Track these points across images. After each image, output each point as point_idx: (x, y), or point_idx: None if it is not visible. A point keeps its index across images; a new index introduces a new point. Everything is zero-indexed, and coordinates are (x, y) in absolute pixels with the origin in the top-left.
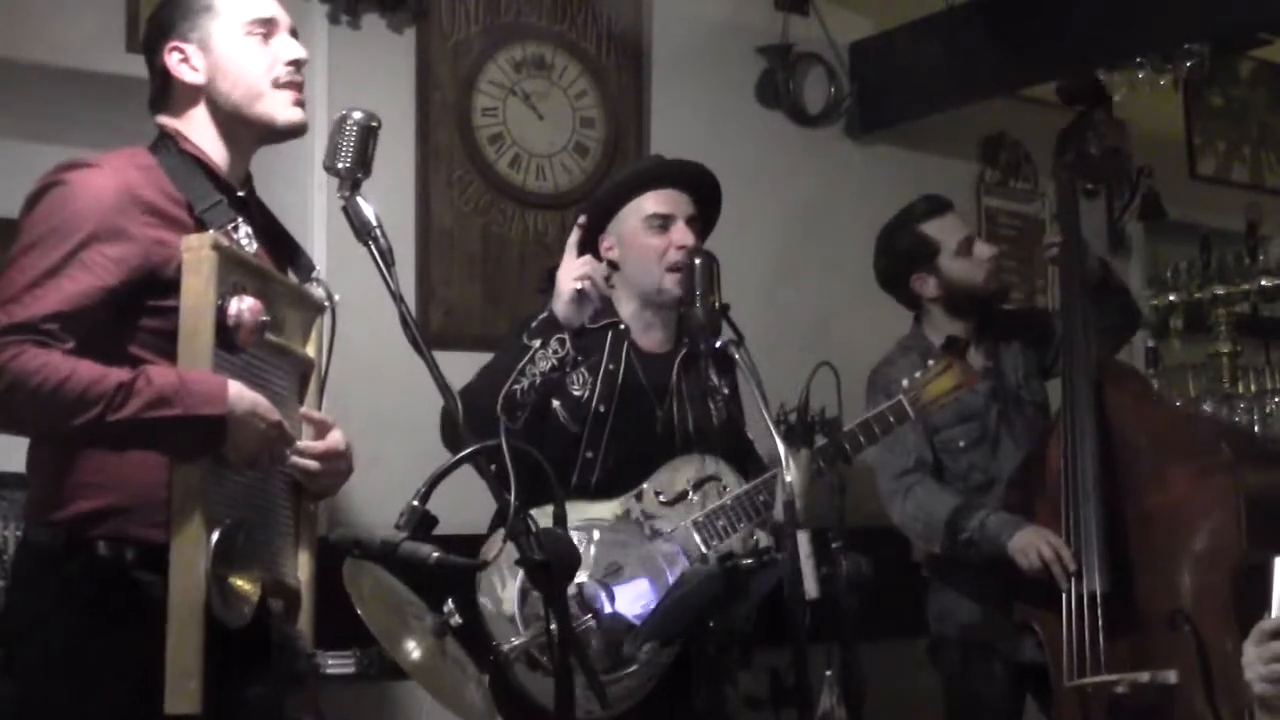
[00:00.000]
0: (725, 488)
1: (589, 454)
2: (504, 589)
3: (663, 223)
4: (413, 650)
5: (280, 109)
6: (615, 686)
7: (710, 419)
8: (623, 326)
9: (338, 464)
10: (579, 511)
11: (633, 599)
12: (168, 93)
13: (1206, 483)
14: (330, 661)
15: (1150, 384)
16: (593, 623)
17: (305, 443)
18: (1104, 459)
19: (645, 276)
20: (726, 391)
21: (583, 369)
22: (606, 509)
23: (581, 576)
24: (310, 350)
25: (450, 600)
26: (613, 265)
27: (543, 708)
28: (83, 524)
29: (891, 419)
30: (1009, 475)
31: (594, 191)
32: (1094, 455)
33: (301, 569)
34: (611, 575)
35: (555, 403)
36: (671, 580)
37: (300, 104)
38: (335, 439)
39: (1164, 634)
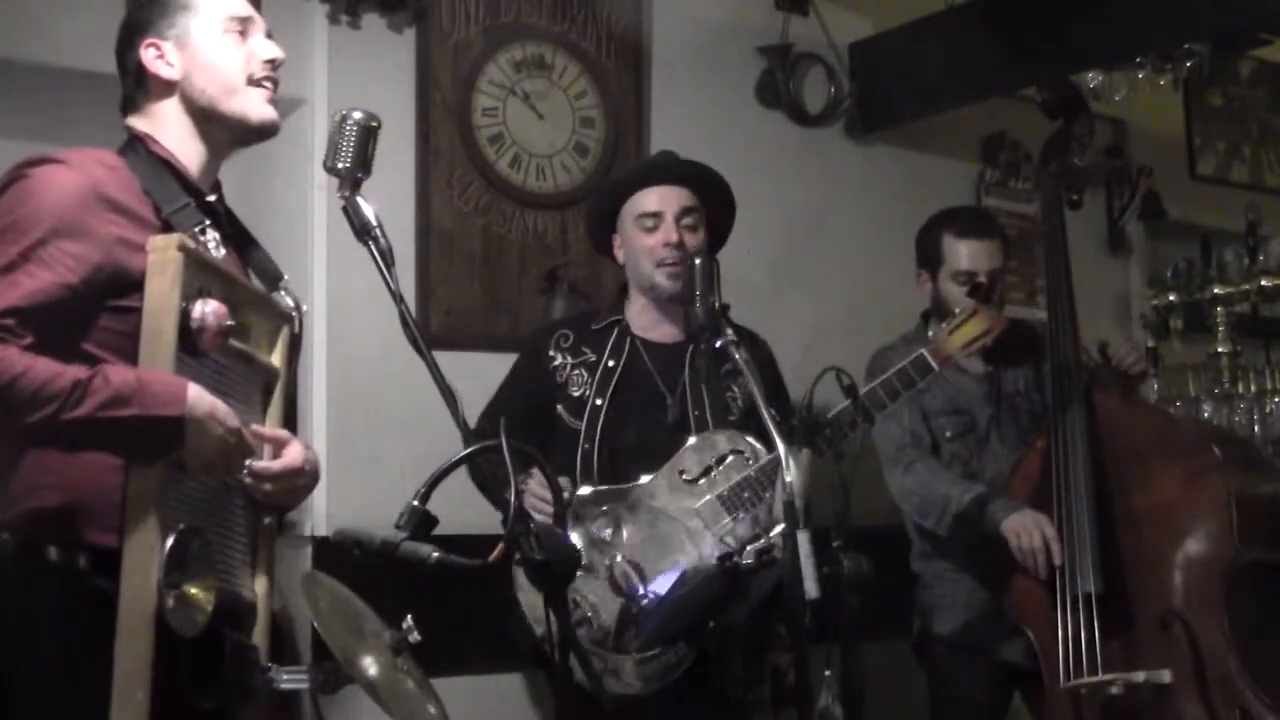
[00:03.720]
0: (749, 461)
1: (586, 446)
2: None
3: (653, 222)
4: (369, 666)
5: (254, 106)
6: (650, 664)
7: (726, 408)
8: (625, 324)
9: (295, 481)
10: (609, 493)
11: (663, 577)
12: (141, 91)
13: (1197, 484)
14: (284, 676)
15: (1136, 388)
16: (625, 604)
17: (260, 463)
18: (1094, 461)
19: (641, 275)
20: (746, 359)
21: (581, 369)
22: (635, 492)
23: (615, 558)
24: (276, 360)
25: (409, 616)
26: (620, 265)
27: (592, 692)
28: (33, 525)
29: (913, 372)
30: (997, 477)
31: (594, 191)
32: (1085, 457)
33: (258, 582)
34: (641, 555)
35: (559, 407)
36: (699, 555)
37: (274, 103)
38: (293, 456)
39: (1157, 634)
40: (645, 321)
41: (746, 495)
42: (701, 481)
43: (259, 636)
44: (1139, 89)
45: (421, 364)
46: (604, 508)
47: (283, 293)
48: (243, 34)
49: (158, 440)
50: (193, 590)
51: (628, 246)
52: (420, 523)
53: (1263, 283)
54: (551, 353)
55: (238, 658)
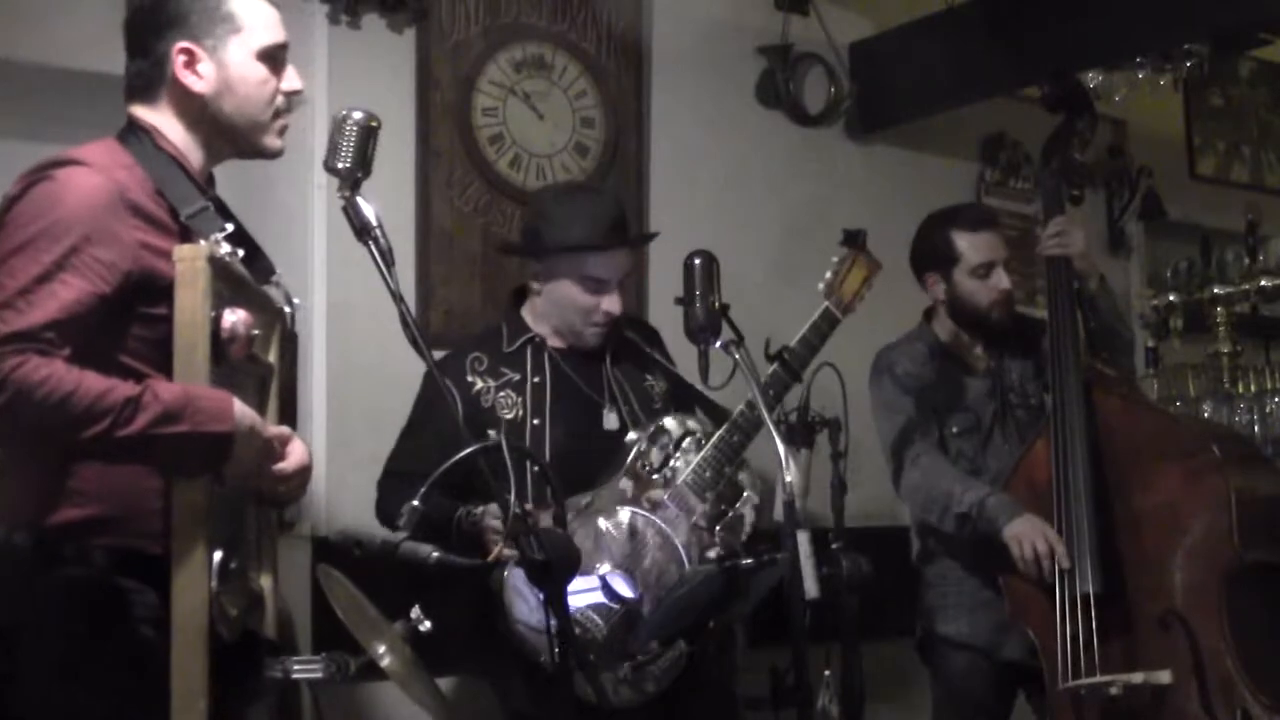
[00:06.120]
0: (702, 440)
1: (535, 468)
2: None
3: (597, 285)
4: (384, 654)
5: (272, 140)
6: (651, 667)
7: (650, 397)
8: (538, 339)
9: (305, 478)
10: (579, 505)
11: (655, 579)
12: (157, 86)
13: (1197, 484)
14: (297, 666)
15: (1137, 387)
16: (625, 612)
17: (276, 465)
18: (1094, 461)
19: (566, 324)
20: (659, 357)
21: (509, 390)
22: (606, 496)
23: (604, 568)
24: (272, 356)
25: (417, 606)
26: (533, 291)
27: (594, 706)
28: (68, 531)
29: (825, 326)
30: (1001, 474)
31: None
32: (1085, 457)
33: (264, 576)
34: (629, 559)
35: (491, 433)
36: (681, 548)
37: (284, 131)
38: (301, 454)
39: (1157, 635)
40: (555, 337)
41: (709, 475)
42: (665, 471)
43: (268, 629)
44: (1139, 89)
45: (421, 364)
46: (581, 521)
47: (275, 287)
48: (276, 65)
49: (208, 456)
50: (233, 596)
51: (556, 290)
52: (420, 523)
53: (1263, 283)
54: (470, 378)
55: (270, 652)
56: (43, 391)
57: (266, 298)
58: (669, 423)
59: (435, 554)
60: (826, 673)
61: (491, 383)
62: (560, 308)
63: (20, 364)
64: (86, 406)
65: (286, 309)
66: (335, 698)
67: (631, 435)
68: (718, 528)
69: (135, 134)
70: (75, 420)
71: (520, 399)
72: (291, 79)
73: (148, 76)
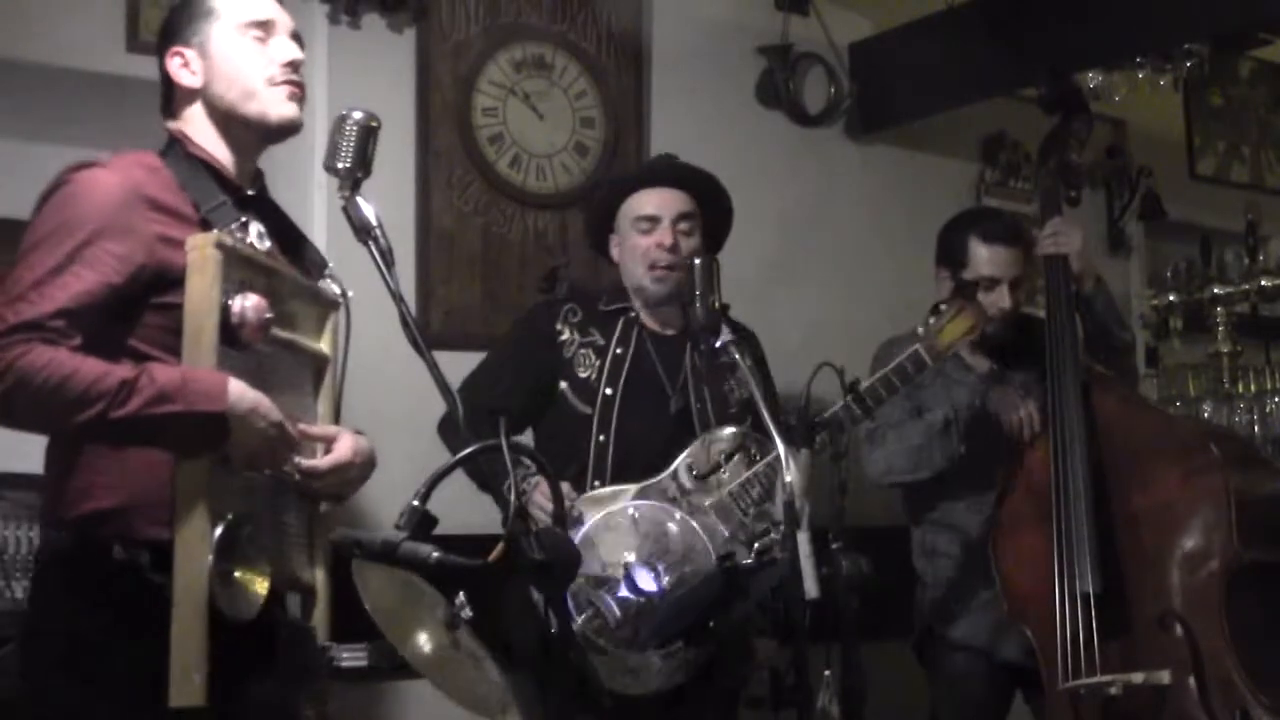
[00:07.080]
0: (757, 457)
1: (601, 438)
2: None
3: (650, 224)
4: (424, 644)
5: (273, 105)
6: (664, 663)
7: (726, 399)
8: (633, 313)
9: (346, 474)
10: (619, 494)
11: (680, 581)
12: (172, 98)
13: (1196, 483)
14: (344, 655)
15: (1134, 388)
16: (643, 603)
17: (308, 461)
18: (1093, 461)
19: (631, 276)
20: (749, 362)
21: (590, 350)
22: (651, 489)
23: (629, 558)
24: (325, 346)
25: (461, 594)
26: (618, 267)
27: (598, 686)
28: (93, 523)
29: (910, 368)
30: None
31: (594, 189)
32: (1083, 457)
33: (316, 565)
34: (657, 555)
35: (563, 384)
36: (714, 554)
37: (296, 99)
38: (342, 452)
39: (1156, 635)
40: (646, 313)
41: (756, 491)
42: (712, 478)
43: (319, 619)
44: (1139, 89)
45: (421, 364)
46: (621, 510)
47: (328, 280)
48: (263, 38)
49: (202, 435)
50: (244, 576)
51: (623, 247)
52: (420, 523)
53: (1263, 283)
54: (559, 326)
55: (295, 639)
56: (41, 377)
57: (313, 288)
58: (728, 432)
59: (435, 554)
60: (826, 673)
61: (577, 337)
62: (628, 262)
63: (25, 352)
64: (82, 391)
65: (339, 300)
66: (335, 696)
67: (694, 445)
68: (756, 545)
69: (170, 144)
70: (71, 404)
71: (600, 363)
72: (286, 49)
73: (166, 92)
